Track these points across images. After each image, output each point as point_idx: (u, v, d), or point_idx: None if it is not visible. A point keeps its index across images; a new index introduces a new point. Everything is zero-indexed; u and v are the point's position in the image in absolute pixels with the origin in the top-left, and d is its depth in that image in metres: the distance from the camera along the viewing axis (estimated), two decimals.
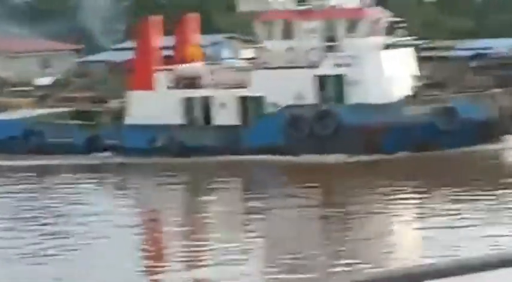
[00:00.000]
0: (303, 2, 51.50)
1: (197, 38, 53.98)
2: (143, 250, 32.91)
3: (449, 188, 37.94)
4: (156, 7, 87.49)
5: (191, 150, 48.28)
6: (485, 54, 63.77)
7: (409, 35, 52.36)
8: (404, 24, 52.71)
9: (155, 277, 29.59)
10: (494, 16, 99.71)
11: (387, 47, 49.89)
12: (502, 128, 47.71)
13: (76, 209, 37.65)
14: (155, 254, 32.58)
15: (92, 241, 32.18)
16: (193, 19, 54.30)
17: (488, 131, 46.90)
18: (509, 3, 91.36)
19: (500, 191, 36.87)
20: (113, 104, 54.31)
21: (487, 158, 46.61)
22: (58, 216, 36.37)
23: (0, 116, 56.24)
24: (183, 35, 52.98)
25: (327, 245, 31.31)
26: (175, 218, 38.05)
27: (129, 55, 55.41)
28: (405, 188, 39.31)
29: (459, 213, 32.98)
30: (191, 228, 34.89)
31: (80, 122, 52.95)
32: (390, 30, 51.90)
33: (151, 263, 31.08)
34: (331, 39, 49.51)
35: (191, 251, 29.64)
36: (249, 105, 49.03)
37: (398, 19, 52.34)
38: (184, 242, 32.01)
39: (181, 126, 49.59)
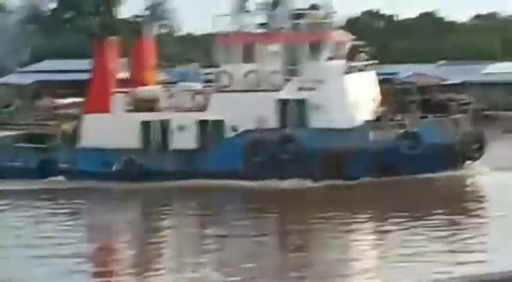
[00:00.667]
0: (264, 24, 50.16)
1: (152, 61, 52.07)
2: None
3: (405, 215, 35.81)
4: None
5: (149, 175, 46.52)
6: (390, 79, 65.10)
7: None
8: (367, 48, 52.24)
9: None
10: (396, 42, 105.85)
11: (350, 70, 48.77)
12: (465, 153, 46.93)
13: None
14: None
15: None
16: (148, 42, 52.76)
17: (451, 156, 46.21)
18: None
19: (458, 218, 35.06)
20: (65, 126, 51.83)
21: (447, 185, 45.20)
22: None
23: None
24: (138, 57, 51.09)
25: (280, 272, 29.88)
26: (123, 244, 35.97)
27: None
28: (362, 215, 37.51)
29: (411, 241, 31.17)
30: (140, 255, 32.41)
31: (32, 145, 50.90)
32: (353, 53, 50.80)
33: None
34: (293, 62, 48.02)
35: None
36: (208, 129, 47.17)
37: (360, 42, 51.88)
38: (131, 270, 29.81)
39: (138, 150, 47.78)
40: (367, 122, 47.57)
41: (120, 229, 39.38)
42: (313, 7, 52.69)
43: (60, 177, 48.36)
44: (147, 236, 36.93)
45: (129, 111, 49.29)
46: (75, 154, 48.54)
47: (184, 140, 47.18)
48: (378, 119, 48.63)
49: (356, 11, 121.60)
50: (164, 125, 48.00)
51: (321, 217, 37.61)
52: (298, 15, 50.07)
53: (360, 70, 49.94)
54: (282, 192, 44.11)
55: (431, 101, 53.54)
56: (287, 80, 47.37)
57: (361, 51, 51.89)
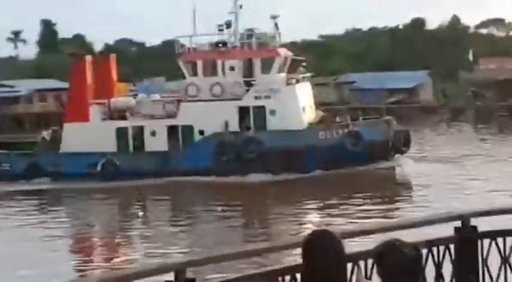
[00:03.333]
0: (221, 43, 53.61)
1: (115, 75, 55.62)
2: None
3: (348, 200, 40.81)
4: None
5: (126, 174, 49.27)
6: None
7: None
8: (304, 63, 58.05)
9: None
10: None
11: (294, 81, 53.40)
12: (395, 148, 52.28)
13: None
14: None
15: None
16: (112, 59, 56.70)
17: (385, 150, 51.41)
18: None
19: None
20: (45, 134, 54.56)
21: (382, 174, 50.46)
22: None
23: None
24: (106, 72, 54.15)
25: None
26: (102, 234, 39.14)
27: None
28: (314, 200, 42.12)
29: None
30: (116, 242, 35.67)
31: (18, 151, 54.23)
32: (294, 67, 55.45)
33: None
34: (249, 75, 52.12)
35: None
36: (179, 133, 50.76)
37: (299, 58, 57.22)
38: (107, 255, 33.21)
39: (116, 152, 51.15)
40: (315, 123, 52.70)
41: (96, 222, 42.44)
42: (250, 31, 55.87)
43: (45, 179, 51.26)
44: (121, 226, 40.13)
45: (105, 119, 52.62)
46: (59, 158, 51.34)
47: (156, 143, 50.86)
48: (320, 121, 53.71)
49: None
50: (138, 131, 51.38)
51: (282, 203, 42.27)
52: (250, 35, 53.85)
53: (300, 81, 54.38)
54: (246, 185, 47.28)
55: None
56: (246, 90, 51.51)
57: (300, 66, 56.94)
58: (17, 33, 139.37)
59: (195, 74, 53.10)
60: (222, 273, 7.35)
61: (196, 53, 53.64)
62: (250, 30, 55.39)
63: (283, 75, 53.20)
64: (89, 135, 51.66)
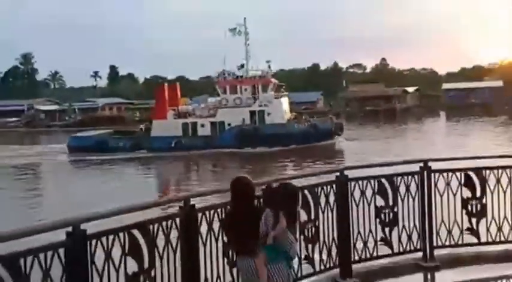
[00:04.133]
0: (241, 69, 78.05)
1: (179, 94, 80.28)
2: None
3: (304, 159, 58.80)
4: None
5: (188, 148, 71.20)
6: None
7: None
8: (284, 86, 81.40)
9: None
10: None
11: (279, 97, 77.49)
12: (336, 132, 76.20)
13: None
14: None
15: None
16: (177, 85, 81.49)
17: (330, 133, 74.72)
18: None
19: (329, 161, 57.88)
20: (141, 126, 79.76)
21: (327, 146, 73.12)
22: None
23: None
24: (174, 92, 79.39)
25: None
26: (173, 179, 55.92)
27: None
28: (287, 160, 61.56)
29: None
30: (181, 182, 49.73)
31: (126, 136, 76.88)
32: (278, 89, 79.82)
33: None
34: (255, 93, 76.48)
35: None
36: (217, 125, 73.89)
37: (281, 83, 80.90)
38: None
39: (182, 136, 73.38)
40: (292, 120, 76.14)
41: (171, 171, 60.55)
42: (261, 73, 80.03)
43: (143, 151, 72.61)
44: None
45: (176, 118, 76.17)
46: (150, 139, 74.14)
47: (204, 131, 74.01)
48: (294, 119, 77.12)
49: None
50: (194, 124, 75.00)
51: (274, 162, 59.75)
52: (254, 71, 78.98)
53: (282, 97, 78.24)
54: (256, 153, 68.56)
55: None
56: (253, 102, 75.80)
57: (281, 88, 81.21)
58: (96, 72, 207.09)
59: (224, 92, 76.78)
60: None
61: (225, 81, 77.49)
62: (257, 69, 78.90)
63: (272, 93, 76.64)
64: (166, 126, 73.30)
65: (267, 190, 7.22)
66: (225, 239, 8.28)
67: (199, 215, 8.12)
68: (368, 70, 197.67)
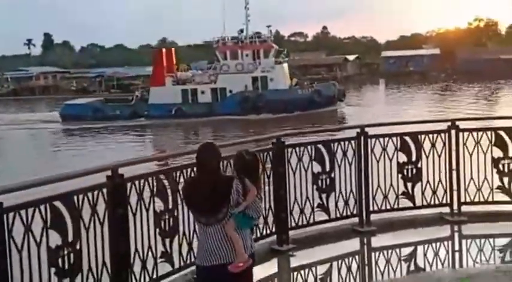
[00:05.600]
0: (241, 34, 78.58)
1: (175, 60, 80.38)
2: None
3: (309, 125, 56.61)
4: None
5: (188, 115, 71.72)
6: None
7: None
8: (284, 52, 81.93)
9: None
10: None
11: (280, 62, 77.83)
12: (339, 98, 77.43)
13: None
14: None
15: None
16: (173, 50, 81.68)
17: (333, 100, 75.98)
18: None
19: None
20: (137, 93, 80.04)
21: (329, 112, 74.17)
22: None
23: None
24: (170, 58, 79.20)
25: None
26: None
27: None
28: (290, 124, 60.08)
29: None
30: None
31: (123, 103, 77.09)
32: (278, 54, 79.90)
33: None
34: (256, 58, 77.04)
35: None
36: (218, 92, 74.28)
37: (281, 49, 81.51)
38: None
39: (182, 103, 73.85)
40: (295, 86, 76.80)
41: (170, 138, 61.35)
42: (258, 33, 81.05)
43: (142, 119, 73.05)
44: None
45: (174, 84, 76.27)
46: (148, 107, 74.42)
47: (205, 97, 74.32)
48: (296, 85, 77.54)
49: None
50: (194, 91, 75.19)
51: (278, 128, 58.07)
52: (257, 35, 79.65)
53: (282, 62, 78.47)
54: (258, 120, 68.82)
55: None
56: (256, 67, 75.96)
57: (281, 53, 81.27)
58: (30, 40, 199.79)
59: (225, 58, 77.43)
60: None
61: (226, 47, 77.85)
62: (258, 33, 79.61)
63: (273, 59, 77.16)
64: (165, 93, 73.60)
65: (237, 157, 7.06)
66: (159, 208, 8.49)
67: (129, 184, 8.14)
68: (309, 39, 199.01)
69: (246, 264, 6.83)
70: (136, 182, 8.29)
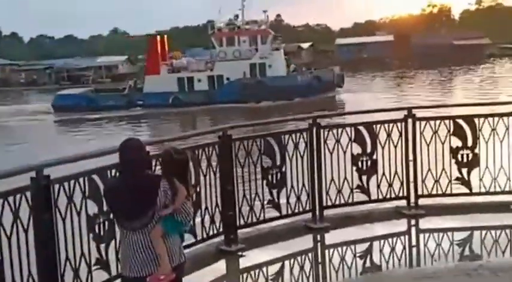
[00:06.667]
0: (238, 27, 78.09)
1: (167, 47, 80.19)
2: None
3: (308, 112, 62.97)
4: None
5: (185, 104, 71.44)
6: None
7: None
8: (280, 37, 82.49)
9: None
10: None
11: (277, 48, 77.88)
12: (337, 84, 77.65)
13: None
14: None
15: None
16: (165, 38, 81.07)
17: (333, 85, 76.32)
18: None
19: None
20: (130, 83, 79.61)
21: (328, 98, 74.40)
22: None
23: None
24: (164, 45, 79.31)
25: None
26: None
27: None
28: (291, 109, 61.27)
29: None
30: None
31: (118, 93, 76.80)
32: (274, 40, 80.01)
33: None
34: (253, 45, 77.11)
35: None
36: (215, 80, 74.04)
37: (277, 35, 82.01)
38: None
39: (178, 92, 73.75)
40: (293, 72, 77.04)
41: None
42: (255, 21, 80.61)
43: (138, 108, 72.82)
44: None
45: (170, 73, 76.00)
46: (144, 96, 74.32)
47: (202, 85, 74.21)
48: (294, 71, 77.83)
49: None
50: (190, 79, 75.10)
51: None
52: (254, 22, 79.60)
53: (279, 48, 78.67)
54: (257, 108, 68.47)
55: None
56: (253, 54, 75.75)
57: (277, 39, 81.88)
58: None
59: (221, 45, 77.39)
60: None
61: (222, 33, 78.07)
62: (254, 21, 79.39)
63: (271, 45, 77.48)
64: (160, 82, 73.58)
65: (165, 155, 6.67)
66: (92, 212, 8.05)
67: (57, 186, 7.69)
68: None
69: (167, 278, 6.42)
70: (66, 184, 7.85)
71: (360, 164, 11.33)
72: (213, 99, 72.70)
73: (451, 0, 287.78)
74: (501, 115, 11.27)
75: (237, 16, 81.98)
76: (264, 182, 10.80)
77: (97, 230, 8.23)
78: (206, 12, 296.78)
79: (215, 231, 10.16)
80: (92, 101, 76.19)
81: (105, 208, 8.13)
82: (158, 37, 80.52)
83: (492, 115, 11.30)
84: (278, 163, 10.85)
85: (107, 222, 8.28)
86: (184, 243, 8.05)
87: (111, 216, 7.86)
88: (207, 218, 9.90)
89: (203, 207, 9.86)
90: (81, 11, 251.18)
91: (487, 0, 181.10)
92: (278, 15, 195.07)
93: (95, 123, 67.96)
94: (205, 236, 9.95)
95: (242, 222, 10.56)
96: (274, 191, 10.89)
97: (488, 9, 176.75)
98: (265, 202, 10.79)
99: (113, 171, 8.23)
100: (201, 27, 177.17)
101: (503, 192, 11.49)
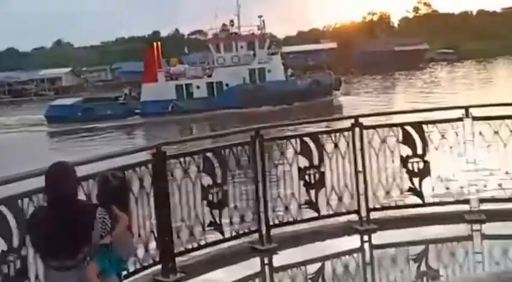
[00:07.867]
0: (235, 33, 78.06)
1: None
2: None
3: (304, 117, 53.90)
4: None
5: (185, 112, 71.06)
6: None
7: None
8: (275, 42, 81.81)
9: None
10: None
11: (275, 53, 78.40)
12: (336, 87, 78.15)
13: None
14: None
15: None
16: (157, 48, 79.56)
17: (330, 89, 76.75)
18: None
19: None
20: (126, 91, 79.67)
21: (326, 102, 74.73)
22: None
23: None
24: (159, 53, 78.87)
25: None
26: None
27: None
28: (292, 114, 60.50)
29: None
30: None
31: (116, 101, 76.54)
32: (270, 45, 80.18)
33: None
34: (251, 50, 77.02)
35: None
36: (214, 86, 74.10)
37: (273, 39, 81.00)
38: None
39: (177, 99, 73.55)
40: (290, 76, 76.90)
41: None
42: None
43: (137, 117, 72.64)
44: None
45: (168, 80, 76.07)
46: (142, 104, 74.11)
47: (200, 92, 74.19)
48: (292, 75, 77.94)
49: None
50: (188, 86, 75.17)
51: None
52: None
53: (275, 53, 79.24)
54: (259, 113, 67.47)
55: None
56: (252, 59, 75.70)
57: (272, 44, 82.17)
58: None
59: (218, 51, 77.68)
60: None
61: (219, 39, 78.44)
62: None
63: (269, 50, 77.87)
64: (158, 90, 73.36)
65: (102, 180, 6.23)
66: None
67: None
68: (210, 36, 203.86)
69: None
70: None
71: (307, 177, 10.68)
72: (213, 105, 72.64)
73: (390, 8, 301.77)
74: (449, 121, 10.62)
75: (231, 21, 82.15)
76: (205, 202, 10.02)
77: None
78: (148, 24, 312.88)
79: (151, 261, 9.37)
80: (88, 111, 75.67)
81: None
82: (155, 45, 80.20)
83: (441, 121, 10.63)
84: (219, 181, 10.12)
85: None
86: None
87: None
88: (140, 246, 9.15)
89: (136, 234, 8.98)
90: (23, 23, 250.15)
91: (423, 7, 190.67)
92: (224, 25, 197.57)
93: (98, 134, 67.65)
94: (139, 266, 9.11)
95: (181, 248, 9.77)
96: (216, 212, 10.14)
97: (424, 16, 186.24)
98: (206, 224, 10.08)
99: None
100: (147, 37, 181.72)
101: (457, 202, 10.89)
